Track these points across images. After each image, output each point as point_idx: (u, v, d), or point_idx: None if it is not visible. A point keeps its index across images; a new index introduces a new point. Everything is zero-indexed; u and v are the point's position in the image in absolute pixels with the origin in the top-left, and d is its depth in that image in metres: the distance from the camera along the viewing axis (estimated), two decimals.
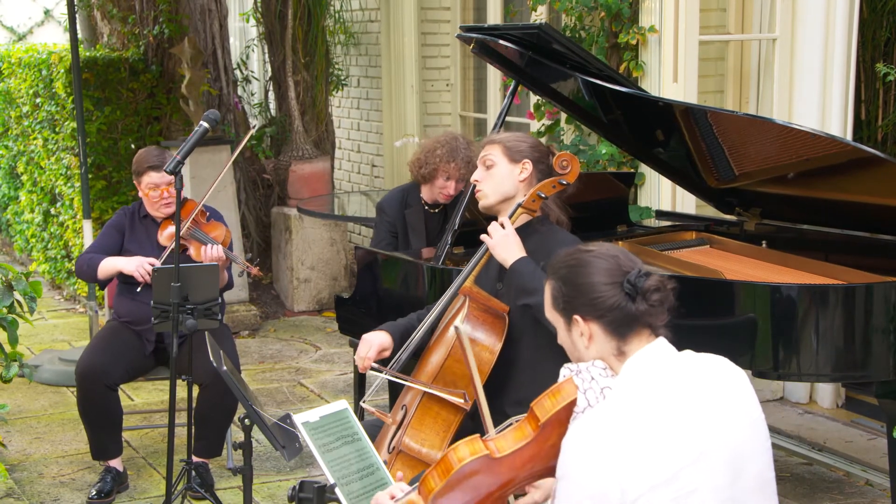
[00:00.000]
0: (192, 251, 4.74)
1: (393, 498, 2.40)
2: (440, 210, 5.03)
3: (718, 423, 2.23)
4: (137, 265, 4.58)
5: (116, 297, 4.82)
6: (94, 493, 4.61)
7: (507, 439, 2.31)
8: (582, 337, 2.36)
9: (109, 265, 4.68)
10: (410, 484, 2.48)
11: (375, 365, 3.46)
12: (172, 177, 4.66)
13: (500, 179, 3.49)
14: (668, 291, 2.33)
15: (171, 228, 4.75)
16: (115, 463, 4.69)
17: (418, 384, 3.29)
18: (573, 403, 2.31)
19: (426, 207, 5.02)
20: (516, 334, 3.39)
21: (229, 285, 4.86)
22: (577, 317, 2.35)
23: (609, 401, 2.28)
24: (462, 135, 5.15)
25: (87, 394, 4.55)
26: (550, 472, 2.29)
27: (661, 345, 2.34)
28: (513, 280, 3.39)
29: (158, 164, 4.65)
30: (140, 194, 4.79)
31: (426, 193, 5.01)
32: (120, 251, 4.78)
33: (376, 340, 3.53)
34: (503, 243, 3.42)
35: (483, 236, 3.48)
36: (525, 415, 2.34)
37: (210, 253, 4.62)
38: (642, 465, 2.14)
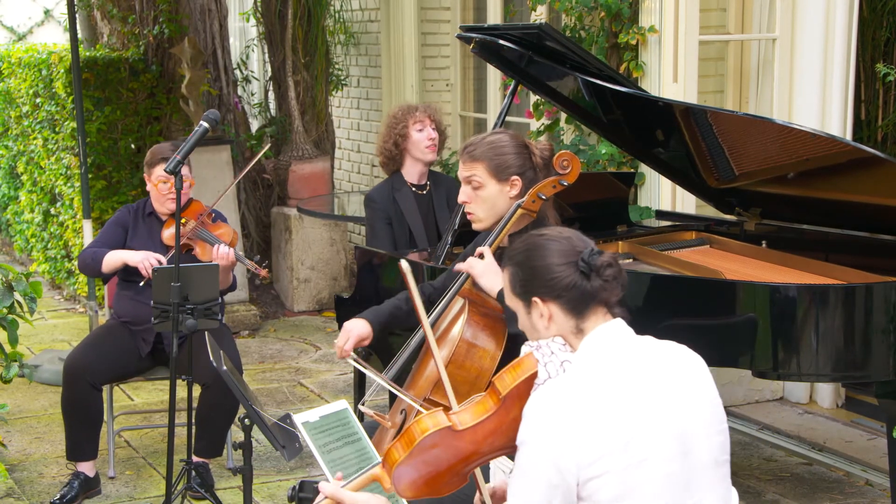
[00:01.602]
0: (197, 251, 4.73)
1: (340, 479, 2.48)
2: (427, 192, 4.94)
3: (670, 400, 2.32)
4: (143, 257, 4.58)
5: (116, 297, 4.82)
6: (58, 497, 4.58)
7: (470, 413, 2.36)
8: (542, 318, 2.42)
9: (115, 258, 4.68)
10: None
11: (353, 355, 3.42)
12: (186, 171, 4.69)
13: (492, 202, 3.38)
14: (619, 267, 2.42)
15: (174, 228, 4.74)
16: (87, 467, 4.66)
17: (409, 398, 3.22)
18: (534, 376, 2.37)
19: (413, 189, 4.93)
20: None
21: (232, 287, 4.86)
22: (535, 298, 2.42)
23: (569, 373, 2.36)
24: None
25: (70, 390, 4.55)
26: (512, 447, 2.35)
27: (619, 324, 2.42)
28: (506, 310, 3.36)
29: (169, 159, 4.65)
30: (149, 187, 4.79)
31: (409, 171, 4.89)
32: (123, 248, 4.77)
33: (355, 330, 3.49)
34: (486, 273, 3.35)
35: (460, 265, 3.41)
36: (487, 389, 2.40)
37: (220, 253, 4.61)
38: (597, 433, 2.23)
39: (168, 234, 4.75)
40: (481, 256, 3.38)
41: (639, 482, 2.23)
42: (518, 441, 2.29)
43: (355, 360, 3.37)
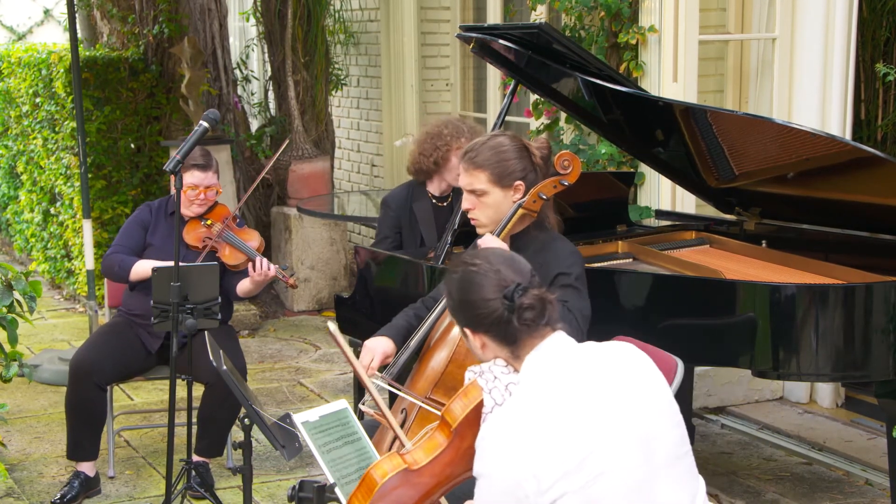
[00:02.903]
0: (221, 252, 4.72)
1: None
2: (448, 203, 4.93)
3: (624, 406, 2.31)
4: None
5: (129, 292, 4.80)
6: (58, 497, 4.58)
7: (423, 450, 2.40)
8: (476, 346, 2.47)
9: (142, 269, 4.63)
10: None
11: (378, 374, 3.37)
12: (214, 179, 4.68)
13: (497, 208, 3.38)
14: (542, 308, 2.38)
15: (200, 229, 4.74)
16: (87, 467, 4.65)
17: (416, 399, 3.21)
18: (481, 404, 2.39)
19: (434, 201, 4.95)
20: None
21: (257, 295, 4.84)
22: (467, 329, 2.46)
23: (515, 396, 2.36)
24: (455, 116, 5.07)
25: (75, 389, 4.55)
26: (469, 475, 2.37)
27: (559, 338, 2.41)
28: None
29: (204, 165, 4.65)
30: (173, 190, 4.78)
31: (435, 185, 4.88)
32: (144, 247, 4.77)
33: (379, 348, 3.44)
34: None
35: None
36: (437, 423, 2.43)
37: (262, 269, 4.57)
38: (553, 453, 2.22)
39: (191, 235, 4.74)
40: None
41: (599, 495, 2.22)
42: (475, 474, 2.29)
43: (381, 380, 3.28)
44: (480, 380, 2.41)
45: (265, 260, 4.62)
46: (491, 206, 3.38)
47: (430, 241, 4.81)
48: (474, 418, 2.37)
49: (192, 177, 4.64)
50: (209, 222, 4.77)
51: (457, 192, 4.94)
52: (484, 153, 3.37)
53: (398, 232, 4.84)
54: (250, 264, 4.63)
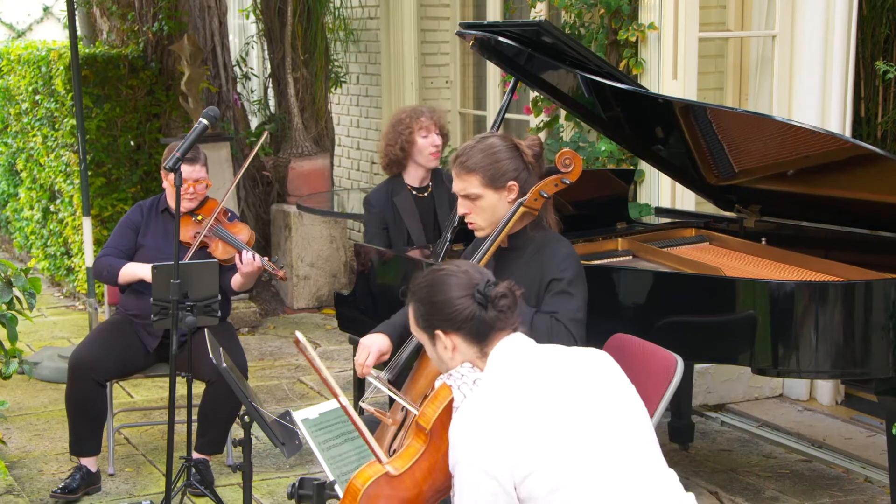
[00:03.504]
0: (212, 248, 4.73)
1: None
2: (428, 194, 4.92)
3: (586, 389, 2.43)
4: None
5: (126, 292, 4.81)
6: (60, 488, 4.59)
7: (402, 457, 2.46)
8: (446, 350, 2.56)
9: (130, 273, 4.67)
10: None
11: (374, 371, 3.34)
12: (203, 172, 4.69)
13: (493, 210, 3.34)
14: (514, 297, 2.55)
15: (190, 224, 4.74)
16: (89, 462, 4.67)
17: (410, 405, 3.19)
18: (451, 403, 2.47)
19: (413, 192, 4.93)
20: None
21: (251, 289, 4.86)
22: (438, 332, 2.56)
23: (482, 388, 2.47)
24: None
25: (75, 385, 4.56)
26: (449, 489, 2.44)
27: (519, 336, 2.55)
28: None
29: (192, 158, 4.65)
30: (165, 185, 4.79)
31: (412, 176, 4.87)
32: (135, 249, 4.77)
33: (375, 345, 3.43)
34: None
35: None
36: (413, 431, 2.49)
37: (246, 261, 4.58)
38: (521, 433, 2.32)
39: (183, 230, 4.74)
40: None
41: (569, 472, 2.31)
42: (451, 463, 2.37)
43: (376, 378, 3.25)
44: (449, 380, 2.51)
45: (251, 252, 4.63)
46: (487, 210, 3.35)
47: (415, 232, 4.80)
48: (447, 418, 2.45)
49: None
50: (199, 217, 4.78)
51: (436, 182, 4.94)
52: (474, 156, 3.33)
53: (385, 228, 4.83)
54: (237, 256, 4.63)
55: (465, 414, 2.38)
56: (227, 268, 4.73)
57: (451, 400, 2.47)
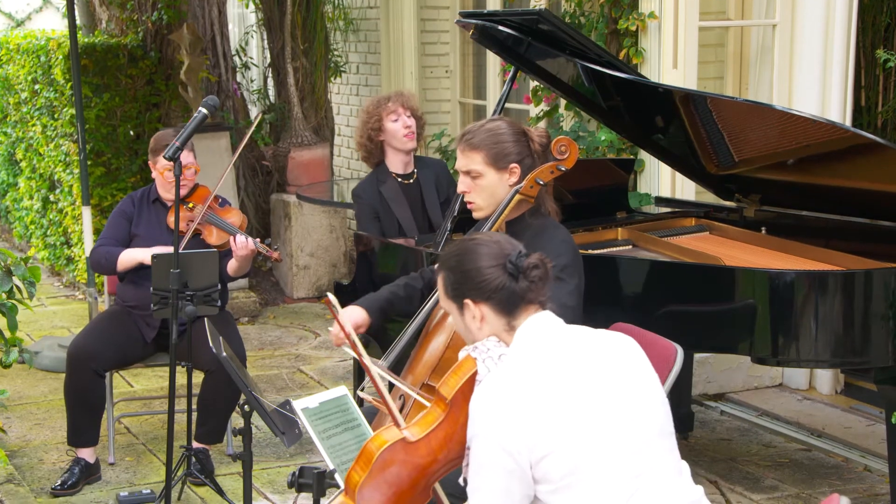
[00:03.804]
0: (205, 234, 4.73)
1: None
2: (414, 181, 4.91)
3: (610, 375, 2.41)
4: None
5: (121, 283, 4.81)
6: (59, 483, 4.59)
7: (420, 424, 2.44)
8: (474, 319, 2.53)
9: (128, 257, 4.67)
10: None
11: (351, 342, 3.44)
12: (191, 158, 4.69)
13: (492, 190, 3.36)
14: (545, 268, 2.53)
15: (183, 212, 4.73)
16: (87, 454, 4.67)
17: (410, 389, 3.19)
18: (475, 375, 2.44)
19: (399, 180, 4.91)
20: None
21: (248, 273, 4.86)
22: (467, 301, 2.53)
23: (507, 364, 2.45)
24: None
25: (74, 376, 4.56)
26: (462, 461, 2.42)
27: (549, 315, 2.53)
28: None
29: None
30: (154, 174, 4.78)
31: (394, 162, 4.87)
32: (130, 238, 4.77)
33: (350, 317, 3.44)
34: None
35: None
36: (433, 399, 2.47)
37: (240, 243, 4.58)
38: (541, 413, 2.31)
39: (174, 219, 4.74)
40: None
41: (586, 457, 2.30)
42: (469, 437, 2.36)
43: (349, 347, 3.35)
44: (474, 353, 2.48)
45: (244, 235, 4.63)
46: (486, 189, 3.36)
47: (404, 219, 4.80)
48: (469, 390, 2.42)
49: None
50: (191, 205, 4.77)
51: (420, 167, 4.94)
52: (480, 135, 3.37)
53: (376, 217, 4.83)
54: (231, 240, 4.63)
55: (487, 389, 2.37)
56: (223, 254, 4.73)
57: (475, 373, 2.44)
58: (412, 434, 2.41)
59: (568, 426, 2.31)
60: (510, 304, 2.49)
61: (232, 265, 4.71)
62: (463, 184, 3.40)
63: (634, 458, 2.35)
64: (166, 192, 4.74)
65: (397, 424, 2.46)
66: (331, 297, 2.75)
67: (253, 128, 5.15)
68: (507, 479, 2.30)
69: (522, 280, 2.48)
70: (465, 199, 3.45)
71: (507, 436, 2.29)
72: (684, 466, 2.50)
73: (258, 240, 4.67)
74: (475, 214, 3.45)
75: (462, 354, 2.50)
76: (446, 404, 2.42)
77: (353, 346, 2.69)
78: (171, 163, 4.56)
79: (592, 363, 2.42)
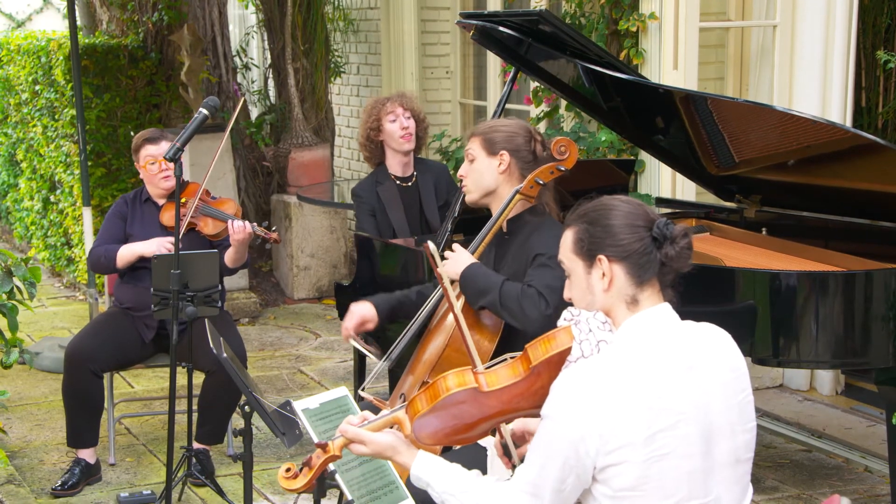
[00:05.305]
0: (201, 226, 4.73)
1: (365, 420, 2.47)
2: (413, 184, 4.92)
3: (701, 396, 2.29)
4: (157, 246, 4.59)
5: (118, 284, 4.82)
6: (59, 483, 4.59)
7: (498, 375, 2.38)
8: (602, 279, 2.37)
9: (128, 252, 4.68)
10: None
11: (357, 338, 3.56)
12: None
13: (480, 174, 3.47)
14: (691, 239, 2.41)
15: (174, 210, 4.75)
16: (87, 454, 4.67)
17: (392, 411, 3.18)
18: (567, 351, 2.36)
19: (398, 182, 4.91)
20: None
21: (246, 263, 4.87)
22: (602, 256, 2.36)
23: (603, 354, 2.34)
24: None
25: (71, 376, 4.57)
26: (535, 412, 2.34)
27: (664, 310, 2.38)
28: (467, 287, 3.38)
29: (155, 137, 4.73)
30: (141, 174, 4.79)
31: (394, 164, 4.88)
32: (125, 238, 4.78)
33: (359, 312, 3.60)
34: (451, 262, 3.44)
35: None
36: (520, 354, 2.40)
37: (237, 228, 4.59)
38: (623, 422, 2.21)
39: (167, 216, 4.75)
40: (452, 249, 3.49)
41: (656, 475, 2.22)
42: (543, 413, 2.27)
43: (355, 340, 3.49)
44: (575, 329, 2.41)
45: (237, 220, 4.63)
46: (475, 172, 3.49)
47: (397, 221, 4.81)
48: (556, 362, 2.35)
49: (146, 151, 4.72)
50: (183, 200, 4.77)
51: (420, 170, 4.94)
52: (485, 125, 3.53)
53: (373, 216, 4.85)
54: (228, 225, 4.63)
55: (575, 376, 2.26)
56: (220, 245, 4.73)
57: (568, 349, 2.36)
58: (487, 383, 2.35)
59: (647, 443, 2.20)
60: (644, 272, 2.34)
61: (230, 254, 4.70)
62: (462, 167, 3.53)
63: (702, 485, 2.27)
64: (155, 188, 4.76)
65: (474, 365, 2.41)
66: (430, 245, 2.66)
67: (233, 117, 5.13)
68: (565, 471, 2.22)
69: (669, 247, 2.36)
70: (462, 184, 3.58)
71: (580, 433, 2.20)
72: (749, 494, 2.41)
73: (255, 223, 4.68)
74: (467, 198, 3.56)
75: (564, 316, 2.42)
76: (529, 367, 2.35)
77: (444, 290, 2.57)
78: (153, 155, 4.63)
79: (689, 378, 2.29)
